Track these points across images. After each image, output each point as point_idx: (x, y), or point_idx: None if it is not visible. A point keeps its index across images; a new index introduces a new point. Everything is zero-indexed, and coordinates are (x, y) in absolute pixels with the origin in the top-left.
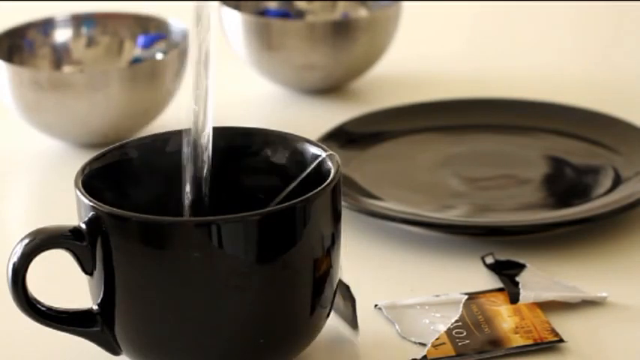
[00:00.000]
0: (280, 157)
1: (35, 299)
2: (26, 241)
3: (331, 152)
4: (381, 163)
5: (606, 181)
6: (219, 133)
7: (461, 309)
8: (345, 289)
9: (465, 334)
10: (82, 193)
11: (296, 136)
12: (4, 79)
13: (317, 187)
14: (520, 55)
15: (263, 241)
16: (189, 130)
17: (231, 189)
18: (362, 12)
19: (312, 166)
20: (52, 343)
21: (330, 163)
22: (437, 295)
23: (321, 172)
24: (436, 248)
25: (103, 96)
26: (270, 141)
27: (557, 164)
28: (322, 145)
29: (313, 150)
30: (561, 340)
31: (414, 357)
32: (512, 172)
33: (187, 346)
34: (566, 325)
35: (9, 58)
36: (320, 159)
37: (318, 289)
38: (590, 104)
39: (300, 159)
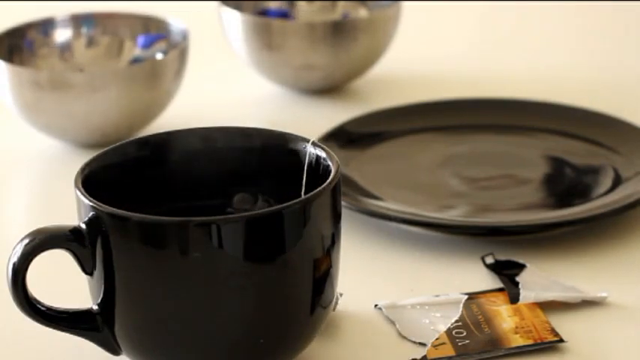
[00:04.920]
0: (280, 157)
1: (35, 299)
2: (26, 241)
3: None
4: (380, 163)
5: (606, 181)
6: (219, 133)
7: (461, 309)
8: None
9: (465, 334)
10: (82, 193)
11: (296, 135)
12: (4, 79)
13: (317, 187)
14: (520, 56)
15: (263, 241)
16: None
17: (231, 189)
18: (362, 12)
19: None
20: (52, 343)
21: (330, 163)
22: (437, 295)
23: (321, 172)
24: (436, 248)
25: (103, 96)
26: (270, 141)
27: (557, 164)
28: (323, 146)
29: (313, 150)
30: (561, 340)
31: (414, 357)
32: (512, 172)
33: (187, 346)
34: (566, 325)
35: (9, 58)
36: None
37: (318, 289)
38: (590, 104)
39: (299, 159)
